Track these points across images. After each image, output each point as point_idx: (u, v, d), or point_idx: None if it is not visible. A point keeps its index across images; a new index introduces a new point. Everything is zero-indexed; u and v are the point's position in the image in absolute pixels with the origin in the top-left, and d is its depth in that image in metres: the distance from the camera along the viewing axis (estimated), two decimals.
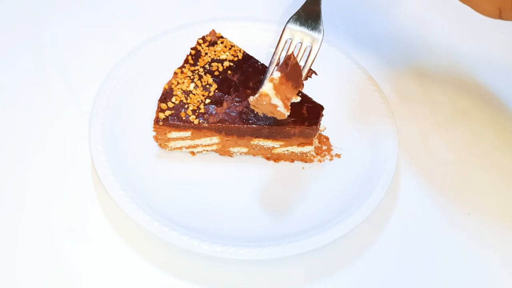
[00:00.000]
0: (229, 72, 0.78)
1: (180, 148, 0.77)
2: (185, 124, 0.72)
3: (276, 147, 0.76)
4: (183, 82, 0.76)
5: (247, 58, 0.80)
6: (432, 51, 0.98)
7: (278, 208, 0.71)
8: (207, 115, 0.73)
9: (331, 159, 0.78)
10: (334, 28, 0.99)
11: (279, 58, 0.72)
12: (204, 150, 0.77)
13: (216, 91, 0.75)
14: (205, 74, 0.77)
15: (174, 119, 0.72)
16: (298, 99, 0.68)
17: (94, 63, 0.88)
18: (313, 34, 0.65)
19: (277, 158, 0.78)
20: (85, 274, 0.65)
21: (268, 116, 0.67)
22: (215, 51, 0.80)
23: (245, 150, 0.77)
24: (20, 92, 0.84)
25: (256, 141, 0.75)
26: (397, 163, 0.76)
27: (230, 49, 0.81)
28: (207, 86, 0.76)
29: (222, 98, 0.75)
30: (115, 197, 0.67)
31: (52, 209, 0.70)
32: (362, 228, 0.70)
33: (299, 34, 0.66)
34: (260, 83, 0.76)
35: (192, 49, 0.81)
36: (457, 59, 0.98)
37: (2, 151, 0.76)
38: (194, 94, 0.74)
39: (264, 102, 0.62)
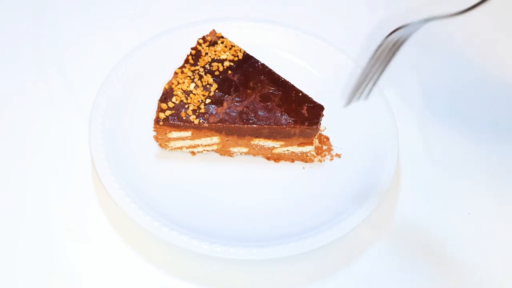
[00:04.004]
0: (229, 72, 0.78)
1: (180, 148, 0.77)
2: (185, 124, 0.72)
3: (276, 147, 0.76)
4: (184, 82, 0.76)
5: (247, 58, 0.80)
6: (432, 51, 0.98)
7: (278, 208, 0.71)
8: (208, 115, 0.73)
9: (331, 159, 0.78)
10: (334, 28, 0.99)
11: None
12: (204, 150, 0.77)
13: (217, 91, 0.75)
14: (205, 74, 0.77)
15: (175, 119, 0.72)
16: None
17: (94, 63, 0.88)
18: None
19: (277, 158, 0.78)
20: (85, 274, 0.65)
21: None
22: (215, 51, 0.80)
23: (245, 150, 0.77)
24: (20, 92, 0.84)
25: (257, 141, 0.75)
26: (397, 163, 0.76)
27: (230, 49, 0.81)
28: (208, 86, 0.76)
29: (222, 98, 0.75)
30: (115, 197, 0.67)
31: (52, 209, 0.70)
32: (362, 228, 0.70)
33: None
34: (260, 83, 0.76)
35: (192, 49, 0.80)
36: (458, 59, 0.98)
37: (2, 151, 0.76)
38: (194, 94, 0.74)
39: None
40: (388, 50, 0.49)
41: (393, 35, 0.47)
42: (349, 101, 0.55)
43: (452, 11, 0.45)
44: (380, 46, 0.49)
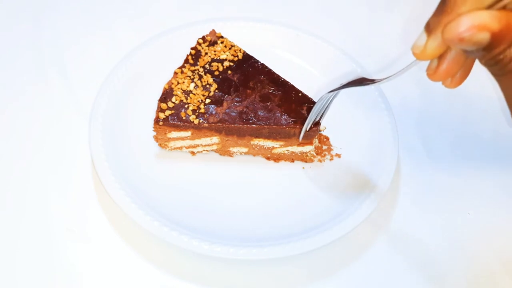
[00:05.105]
0: (229, 72, 0.78)
1: (180, 148, 0.77)
2: (185, 124, 0.72)
3: (276, 147, 0.76)
4: (183, 82, 0.76)
5: (247, 58, 0.80)
6: None
7: (278, 208, 0.71)
8: (207, 115, 0.73)
9: (331, 159, 0.78)
10: (335, 29, 0.99)
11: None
12: (204, 150, 0.77)
13: (216, 91, 0.75)
14: (205, 74, 0.77)
15: (174, 119, 0.72)
16: None
17: (94, 63, 0.88)
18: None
19: (277, 158, 0.78)
20: (85, 274, 0.65)
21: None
22: (215, 51, 0.80)
23: (245, 150, 0.77)
24: (20, 92, 0.84)
25: (256, 141, 0.75)
26: (397, 163, 0.76)
27: (230, 49, 0.81)
28: (207, 86, 0.76)
29: (222, 98, 0.75)
30: (115, 197, 0.67)
31: (52, 209, 0.70)
32: (362, 228, 0.70)
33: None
34: (260, 83, 0.76)
35: (192, 49, 0.80)
36: None
37: (2, 151, 0.76)
38: (194, 94, 0.74)
39: None
40: (327, 100, 0.68)
41: (331, 93, 0.65)
42: (303, 134, 0.73)
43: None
44: (321, 98, 0.67)
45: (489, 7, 0.41)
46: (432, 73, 0.48)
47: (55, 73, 0.87)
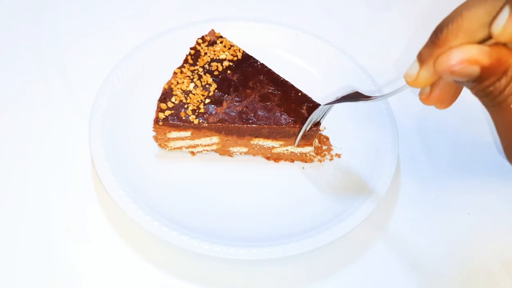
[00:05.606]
0: (228, 72, 0.78)
1: (180, 148, 0.77)
2: (185, 124, 0.72)
3: (276, 147, 0.76)
4: (183, 82, 0.76)
5: (246, 57, 0.80)
6: None
7: (278, 208, 0.71)
8: (207, 115, 0.73)
9: (331, 159, 0.78)
10: (335, 29, 0.99)
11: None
12: (204, 150, 0.77)
13: (216, 91, 0.75)
14: (204, 74, 0.77)
15: (174, 119, 0.72)
16: None
17: (94, 63, 0.88)
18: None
19: (277, 158, 0.78)
20: (85, 274, 0.65)
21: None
22: (214, 51, 0.80)
23: (245, 150, 0.77)
24: (20, 92, 0.84)
25: (256, 141, 0.75)
26: (397, 163, 0.76)
27: (229, 48, 0.81)
28: (207, 86, 0.76)
29: (221, 98, 0.75)
30: (115, 197, 0.67)
31: (52, 209, 0.70)
32: (362, 228, 0.70)
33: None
34: (259, 83, 0.76)
35: (191, 49, 0.80)
36: None
37: (2, 151, 0.76)
38: (194, 94, 0.74)
39: None
40: (322, 112, 0.71)
41: (326, 105, 0.68)
42: (298, 141, 0.74)
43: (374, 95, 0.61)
44: (317, 110, 0.70)
45: (480, 42, 0.43)
46: (425, 98, 0.51)
47: (55, 73, 0.87)
